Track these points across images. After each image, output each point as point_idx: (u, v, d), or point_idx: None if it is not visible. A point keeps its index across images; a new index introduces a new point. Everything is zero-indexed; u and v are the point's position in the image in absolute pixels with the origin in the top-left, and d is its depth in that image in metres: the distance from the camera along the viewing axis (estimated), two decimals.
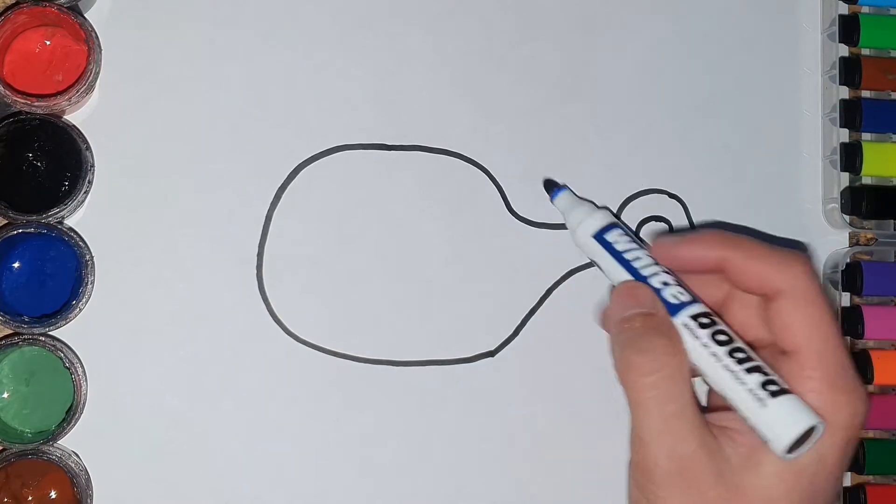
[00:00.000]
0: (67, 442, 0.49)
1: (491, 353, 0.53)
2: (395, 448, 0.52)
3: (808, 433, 0.41)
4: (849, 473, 0.54)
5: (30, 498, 0.48)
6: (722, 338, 0.43)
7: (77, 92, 0.48)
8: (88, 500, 0.48)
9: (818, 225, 0.56)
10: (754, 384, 0.41)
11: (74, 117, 0.50)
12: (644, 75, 0.55)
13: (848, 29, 0.56)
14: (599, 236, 0.47)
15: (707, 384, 0.44)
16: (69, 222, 0.50)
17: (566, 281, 0.54)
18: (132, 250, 0.51)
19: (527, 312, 0.53)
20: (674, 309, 0.44)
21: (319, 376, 0.52)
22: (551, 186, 0.52)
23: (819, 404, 0.42)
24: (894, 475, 0.55)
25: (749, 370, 0.42)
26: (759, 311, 0.45)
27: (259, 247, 0.52)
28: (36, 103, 0.48)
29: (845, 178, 0.56)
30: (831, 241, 0.56)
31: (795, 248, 0.46)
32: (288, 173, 0.52)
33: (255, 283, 0.52)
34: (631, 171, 0.55)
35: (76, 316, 0.48)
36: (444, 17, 0.54)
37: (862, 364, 0.54)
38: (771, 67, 0.56)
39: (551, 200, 0.51)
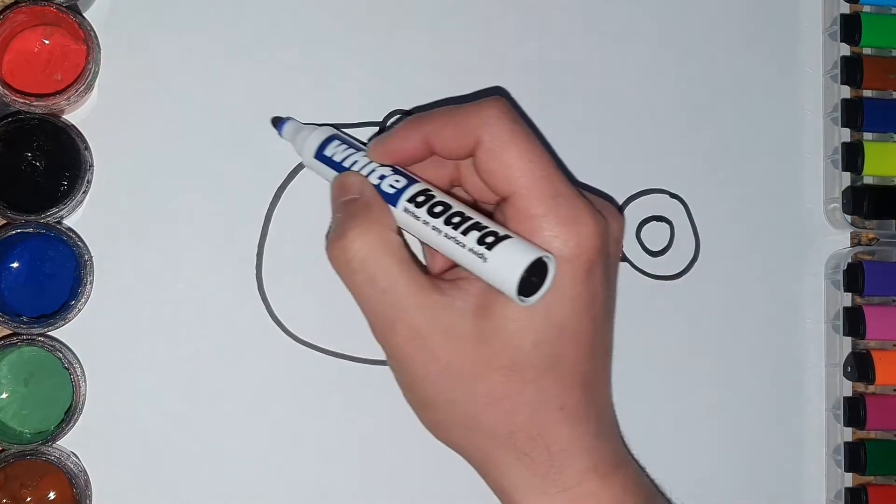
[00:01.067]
0: (66, 442, 0.49)
1: None
2: (394, 448, 0.52)
3: (540, 272, 0.40)
4: (850, 474, 0.54)
5: (29, 499, 0.48)
6: (438, 209, 0.43)
7: (76, 91, 0.48)
8: (87, 501, 0.48)
9: (820, 225, 0.56)
10: (472, 243, 0.41)
11: (73, 117, 0.50)
12: (644, 75, 0.55)
13: (849, 28, 0.56)
14: (319, 155, 0.48)
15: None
16: (68, 222, 0.50)
17: None
18: (131, 250, 0.51)
19: None
20: (392, 198, 0.44)
21: (319, 376, 0.51)
22: (276, 122, 0.51)
23: (542, 240, 0.41)
24: None
25: (465, 231, 0.42)
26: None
27: (259, 247, 0.52)
28: (35, 103, 0.48)
29: (847, 178, 0.55)
30: (833, 241, 0.56)
31: None
32: (288, 173, 0.52)
33: (255, 283, 0.51)
34: (631, 170, 0.55)
35: (75, 316, 0.48)
36: (444, 17, 0.54)
37: (864, 364, 0.54)
38: (772, 67, 0.56)
39: (279, 134, 0.50)
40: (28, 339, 0.48)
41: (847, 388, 0.55)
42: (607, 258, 0.43)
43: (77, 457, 0.49)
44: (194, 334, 0.51)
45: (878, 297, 0.55)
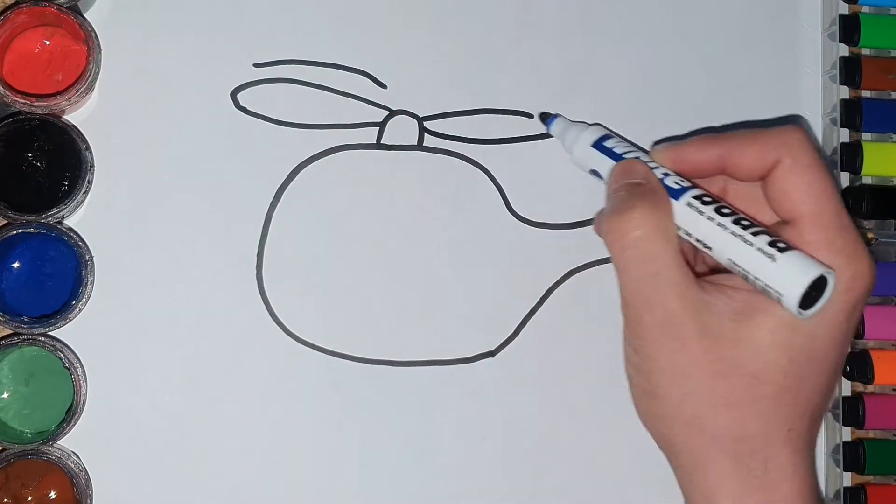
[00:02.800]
0: (67, 442, 0.49)
1: (491, 353, 0.53)
2: (394, 448, 0.52)
3: (819, 289, 0.41)
4: (849, 474, 0.54)
5: (29, 498, 0.48)
6: (726, 210, 0.44)
7: (77, 92, 0.48)
8: (88, 501, 0.48)
9: None
10: (762, 243, 0.42)
11: (74, 117, 0.50)
12: (644, 75, 0.55)
13: (848, 29, 0.56)
14: (598, 144, 0.49)
15: (714, 258, 0.44)
16: (69, 222, 0.50)
17: (566, 281, 0.54)
18: (132, 250, 0.51)
19: (527, 312, 0.53)
20: (677, 192, 0.45)
21: (319, 376, 0.52)
22: (546, 117, 0.53)
23: None
24: (895, 475, 0.55)
25: (755, 233, 0.42)
26: (758, 198, 0.45)
27: (259, 247, 0.52)
28: (36, 103, 0.48)
29: (846, 178, 0.56)
30: None
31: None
32: (288, 173, 0.52)
33: (255, 283, 0.51)
34: None
35: (76, 316, 0.48)
36: (444, 16, 0.54)
37: (862, 364, 0.54)
38: (771, 67, 0.56)
39: (547, 129, 0.52)
40: (29, 339, 0.48)
41: (846, 387, 0.55)
42: (864, 304, 0.44)
43: (78, 456, 0.49)
44: (195, 334, 0.51)
45: (878, 296, 0.55)
